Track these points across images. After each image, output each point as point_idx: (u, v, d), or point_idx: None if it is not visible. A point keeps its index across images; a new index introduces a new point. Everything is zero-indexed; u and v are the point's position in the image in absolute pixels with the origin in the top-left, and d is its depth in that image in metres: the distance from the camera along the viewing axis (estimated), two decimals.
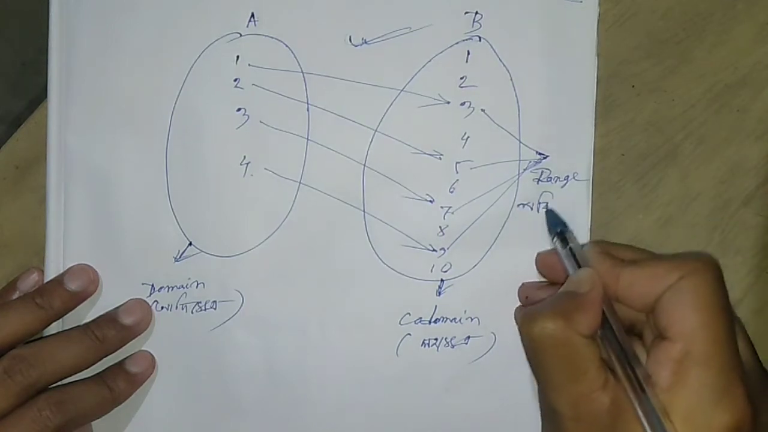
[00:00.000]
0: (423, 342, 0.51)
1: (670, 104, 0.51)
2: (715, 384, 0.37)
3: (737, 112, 0.51)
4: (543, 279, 0.49)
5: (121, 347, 0.50)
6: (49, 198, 0.51)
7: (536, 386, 0.43)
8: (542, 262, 0.48)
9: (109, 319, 0.50)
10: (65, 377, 0.47)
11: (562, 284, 0.43)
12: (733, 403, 0.37)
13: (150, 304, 0.51)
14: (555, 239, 0.46)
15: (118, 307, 0.51)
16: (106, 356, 0.49)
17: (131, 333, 0.50)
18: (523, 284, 0.49)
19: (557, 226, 0.47)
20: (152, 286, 0.51)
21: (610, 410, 0.38)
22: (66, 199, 0.51)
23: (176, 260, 0.51)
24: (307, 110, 0.50)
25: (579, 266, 0.43)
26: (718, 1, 0.51)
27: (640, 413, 0.37)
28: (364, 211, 0.50)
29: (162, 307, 0.51)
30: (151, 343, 0.52)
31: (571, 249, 0.44)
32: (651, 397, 0.38)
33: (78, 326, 0.50)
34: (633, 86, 0.51)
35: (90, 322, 0.50)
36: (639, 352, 0.40)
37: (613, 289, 0.41)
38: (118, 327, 0.50)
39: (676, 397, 0.37)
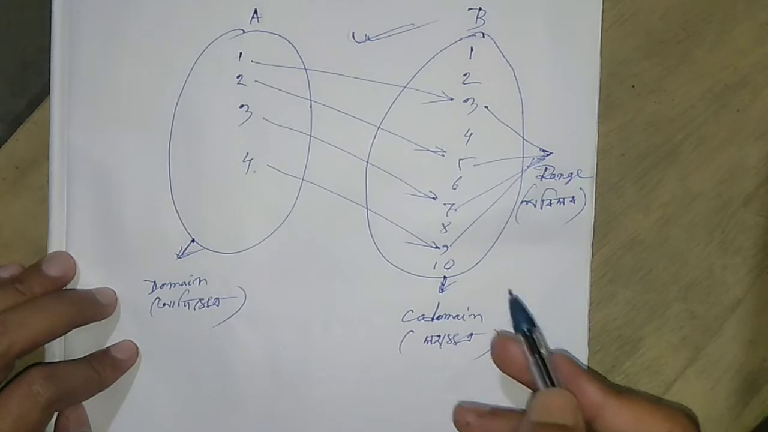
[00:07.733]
0: (426, 339, 0.50)
1: (670, 104, 0.51)
2: None
3: (737, 112, 0.51)
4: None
5: (94, 317, 0.50)
6: (52, 195, 0.51)
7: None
8: (501, 349, 0.46)
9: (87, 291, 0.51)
10: (40, 341, 0.47)
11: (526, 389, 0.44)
12: None
13: (152, 300, 0.51)
14: (521, 338, 0.45)
15: (98, 288, 0.51)
16: (78, 322, 0.49)
17: (105, 311, 0.51)
18: (460, 407, 0.48)
19: (523, 323, 0.46)
20: (154, 282, 0.51)
21: None
22: (68, 196, 0.51)
23: (179, 257, 0.51)
24: (310, 107, 0.50)
25: (549, 377, 0.43)
26: (718, 1, 0.51)
27: None
28: (366, 208, 0.50)
29: (164, 304, 0.51)
30: (153, 339, 0.52)
31: (540, 356, 0.44)
32: None
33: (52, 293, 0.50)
34: (633, 86, 0.51)
35: (66, 289, 0.51)
36: None
37: (589, 416, 0.42)
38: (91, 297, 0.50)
39: None
